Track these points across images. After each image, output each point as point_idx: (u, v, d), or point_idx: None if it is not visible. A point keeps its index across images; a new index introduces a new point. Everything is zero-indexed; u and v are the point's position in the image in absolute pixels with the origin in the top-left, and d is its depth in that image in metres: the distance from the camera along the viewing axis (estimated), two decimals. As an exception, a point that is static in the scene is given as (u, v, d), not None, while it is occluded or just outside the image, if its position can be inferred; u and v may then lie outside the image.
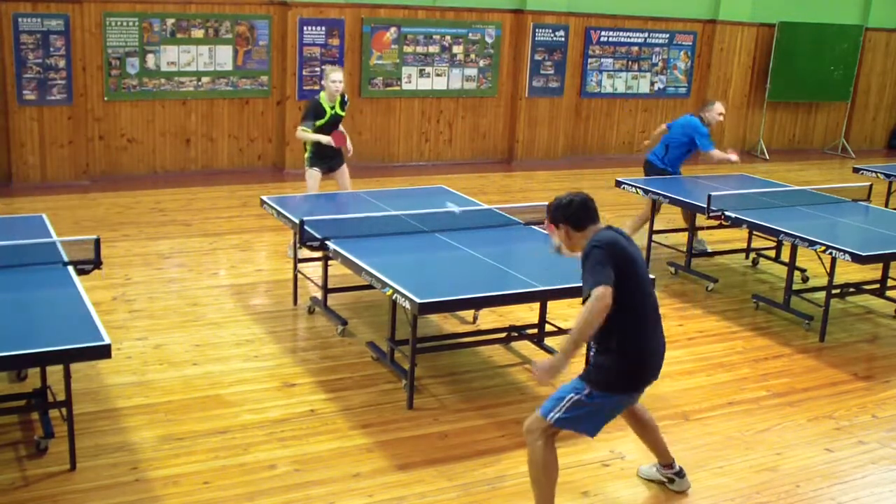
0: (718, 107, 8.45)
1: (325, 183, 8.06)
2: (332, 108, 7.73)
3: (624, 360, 3.89)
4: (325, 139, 7.64)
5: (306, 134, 7.67)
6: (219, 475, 4.40)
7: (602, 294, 3.67)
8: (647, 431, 4.39)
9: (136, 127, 10.72)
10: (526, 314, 6.51)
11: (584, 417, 3.90)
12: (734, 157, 8.43)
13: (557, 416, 3.87)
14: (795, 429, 5.20)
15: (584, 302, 3.77)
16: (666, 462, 4.44)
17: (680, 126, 8.45)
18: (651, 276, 4.14)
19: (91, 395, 5.13)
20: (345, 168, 8.04)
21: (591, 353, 4.01)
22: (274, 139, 11.48)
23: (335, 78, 7.68)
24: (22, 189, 9.98)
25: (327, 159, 7.84)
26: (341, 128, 7.85)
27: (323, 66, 11.24)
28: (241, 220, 9.13)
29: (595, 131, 13.43)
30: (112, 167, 10.70)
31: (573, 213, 3.98)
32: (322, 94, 7.78)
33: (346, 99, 7.95)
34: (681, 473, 4.44)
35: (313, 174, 7.85)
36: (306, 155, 7.89)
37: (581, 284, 3.84)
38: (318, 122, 7.66)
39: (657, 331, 4.03)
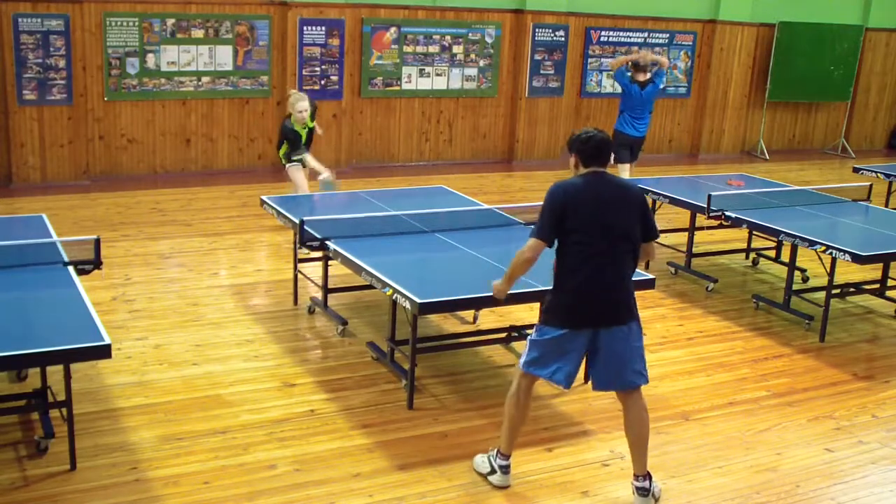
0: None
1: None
2: (305, 127, 8.25)
3: (560, 295, 4.20)
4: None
5: (311, 159, 8.22)
6: (219, 475, 4.40)
7: (530, 247, 4.17)
8: (629, 430, 4.29)
9: (136, 127, 10.72)
10: (526, 314, 6.51)
11: (541, 358, 4.23)
12: None
13: (522, 360, 4.31)
14: (795, 429, 5.20)
15: (530, 234, 4.23)
16: (636, 472, 4.30)
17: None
18: (617, 225, 4.17)
19: (91, 395, 5.13)
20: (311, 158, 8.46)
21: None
22: (274, 139, 11.46)
23: (301, 108, 8.13)
24: (22, 189, 9.98)
25: (301, 156, 8.29)
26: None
27: (324, 68, 11.27)
28: (241, 220, 9.13)
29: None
30: (112, 167, 10.70)
31: (585, 151, 4.22)
32: (291, 119, 8.21)
33: (315, 109, 8.47)
34: (643, 491, 4.25)
35: (296, 168, 8.22)
36: (282, 153, 8.33)
37: None
38: (295, 157, 8.21)
39: (602, 273, 4.12)
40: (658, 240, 4.36)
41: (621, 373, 4.22)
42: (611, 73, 11.05)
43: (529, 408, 4.42)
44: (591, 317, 4.17)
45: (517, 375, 4.37)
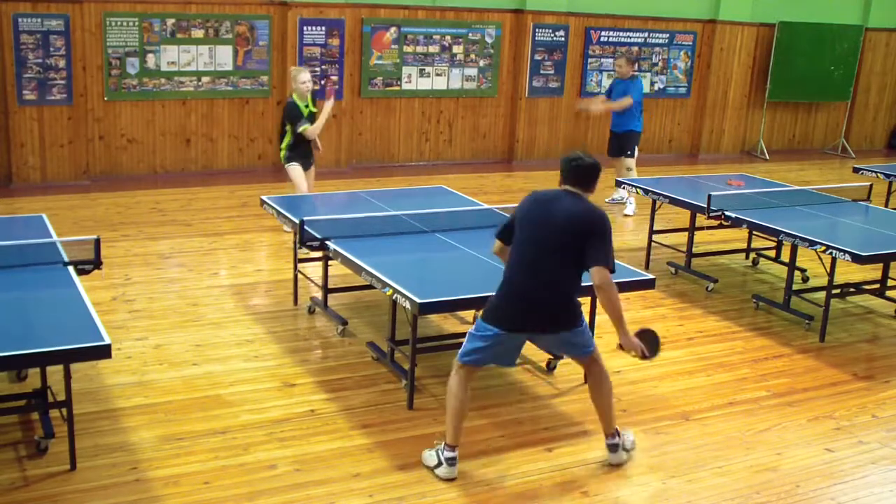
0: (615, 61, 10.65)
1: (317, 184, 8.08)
2: (307, 106, 8.10)
3: (496, 294, 4.47)
4: (327, 110, 8.13)
5: (311, 129, 8.04)
6: (219, 475, 4.40)
7: (494, 247, 4.68)
8: (595, 394, 4.63)
9: (136, 127, 10.72)
10: (526, 314, 6.50)
11: (475, 351, 4.44)
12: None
13: (461, 349, 4.51)
14: (795, 429, 5.20)
15: None
16: (605, 432, 4.65)
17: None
18: (555, 241, 4.36)
19: (91, 395, 5.13)
20: (313, 170, 8.39)
21: None
22: (274, 139, 11.46)
23: (303, 79, 8.05)
24: (22, 189, 9.98)
25: (304, 156, 8.20)
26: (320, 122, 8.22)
27: (324, 68, 11.27)
28: (241, 220, 9.13)
29: (595, 131, 13.42)
30: (112, 167, 10.70)
31: (564, 169, 4.57)
32: (294, 95, 8.10)
33: (316, 96, 8.33)
34: (613, 447, 4.62)
35: (296, 169, 8.16)
36: (283, 153, 8.24)
37: None
38: (301, 129, 8.04)
39: (532, 280, 4.33)
40: (613, 274, 4.30)
41: (568, 352, 4.70)
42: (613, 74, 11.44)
43: (468, 398, 4.53)
44: (518, 321, 4.40)
45: (454, 367, 4.52)
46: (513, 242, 4.46)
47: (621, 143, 10.13)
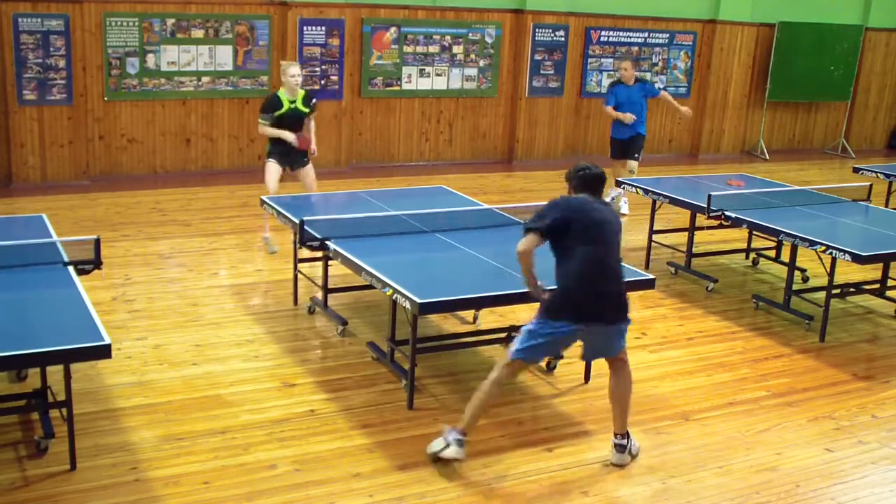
0: (621, 64, 10.07)
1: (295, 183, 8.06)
2: (293, 102, 7.84)
3: (562, 292, 4.51)
4: (288, 136, 7.77)
5: (265, 128, 7.84)
6: (219, 475, 4.40)
7: (522, 241, 4.51)
8: (615, 391, 4.72)
9: (136, 127, 10.72)
10: (526, 314, 6.50)
11: (536, 347, 4.53)
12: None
13: (514, 347, 4.56)
14: (795, 429, 5.20)
15: (524, 227, 4.60)
16: (616, 431, 4.72)
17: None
18: (614, 239, 4.59)
19: (91, 395, 5.13)
20: (309, 168, 8.12)
21: None
22: (274, 139, 11.47)
23: (293, 72, 7.83)
24: (22, 189, 9.98)
25: (285, 154, 7.93)
26: (310, 129, 7.98)
27: (324, 68, 11.27)
28: (241, 220, 9.13)
29: (595, 131, 13.42)
30: (112, 167, 10.70)
31: (579, 180, 4.69)
32: (281, 89, 7.93)
33: (312, 97, 8.05)
34: (620, 448, 4.68)
35: (271, 166, 7.92)
36: (267, 146, 8.06)
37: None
38: (277, 114, 7.78)
39: (602, 279, 4.50)
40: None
41: (611, 348, 4.69)
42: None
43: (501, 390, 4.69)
44: (591, 316, 4.50)
45: (504, 361, 4.57)
46: (569, 243, 4.48)
47: (629, 146, 9.93)
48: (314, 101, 8.10)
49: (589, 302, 4.48)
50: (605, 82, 13.28)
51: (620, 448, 4.68)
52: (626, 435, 4.69)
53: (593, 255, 4.47)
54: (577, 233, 4.46)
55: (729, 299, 7.41)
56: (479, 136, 12.75)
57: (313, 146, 8.06)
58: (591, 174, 4.67)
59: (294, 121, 7.90)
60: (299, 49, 11.15)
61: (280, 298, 6.92)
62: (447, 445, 4.53)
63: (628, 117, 9.69)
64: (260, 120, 7.89)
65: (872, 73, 15.38)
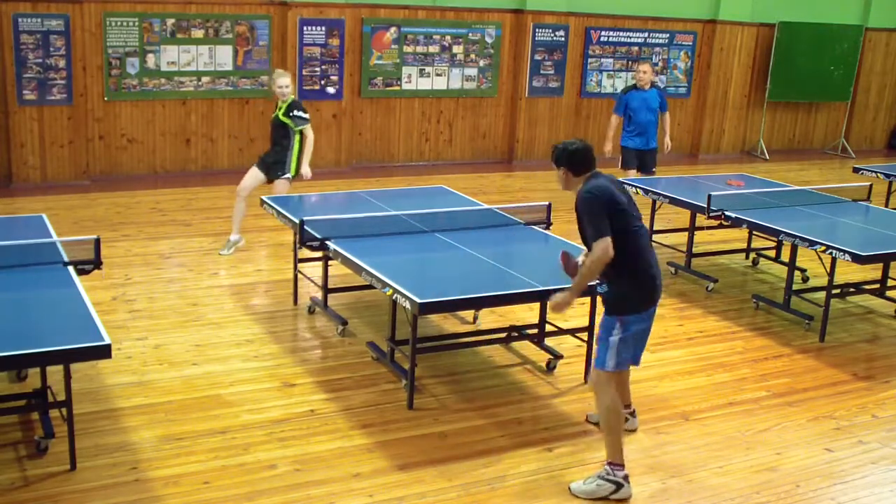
0: (639, 67, 9.24)
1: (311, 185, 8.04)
2: (278, 109, 7.70)
3: (638, 281, 4.39)
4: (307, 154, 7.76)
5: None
6: (219, 475, 4.40)
7: (605, 247, 4.22)
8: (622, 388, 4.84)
9: (136, 127, 10.72)
10: (526, 314, 6.51)
11: (630, 349, 4.44)
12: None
13: (613, 362, 4.38)
14: (795, 429, 5.20)
15: (584, 242, 4.42)
16: (624, 402, 4.88)
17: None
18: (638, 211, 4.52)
19: (91, 395, 5.13)
20: (280, 183, 7.77)
21: (605, 291, 4.44)
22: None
23: (280, 83, 7.63)
24: (22, 189, 9.98)
25: (265, 160, 7.88)
26: (303, 150, 7.73)
27: (324, 68, 11.27)
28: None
29: (595, 131, 13.41)
30: (112, 167, 10.70)
31: (576, 160, 4.44)
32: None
33: (294, 108, 7.61)
34: (633, 414, 5.02)
35: (252, 168, 7.97)
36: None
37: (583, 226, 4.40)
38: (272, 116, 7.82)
39: (653, 253, 4.51)
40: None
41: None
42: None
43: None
44: (661, 290, 4.52)
45: (603, 382, 4.37)
46: (625, 229, 4.31)
47: (649, 159, 9.32)
48: (294, 112, 7.59)
49: (658, 276, 4.45)
50: (606, 82, 13.33)
51: (633, 414, 5.01)
52: (629, 405, 5.00)
53: (641, 231, 4.40)
54: (626, 220, 4.33)
55: (729, 299, 7.41)
56: (479, 136, 12.75)
57: (303, 170, 7.70)
58: (583, 147, 4.45)
59: (273, 127, 7.78)
60: (299, 49, 11.15)
61: (280, 298, 6.92)
62: (618, 486, 4.30)
63: (608, 150, 9.26)
64: None
65: (872, 73, 15.38)
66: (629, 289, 4.39)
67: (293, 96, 7.77)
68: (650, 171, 9.33)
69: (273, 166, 7.80)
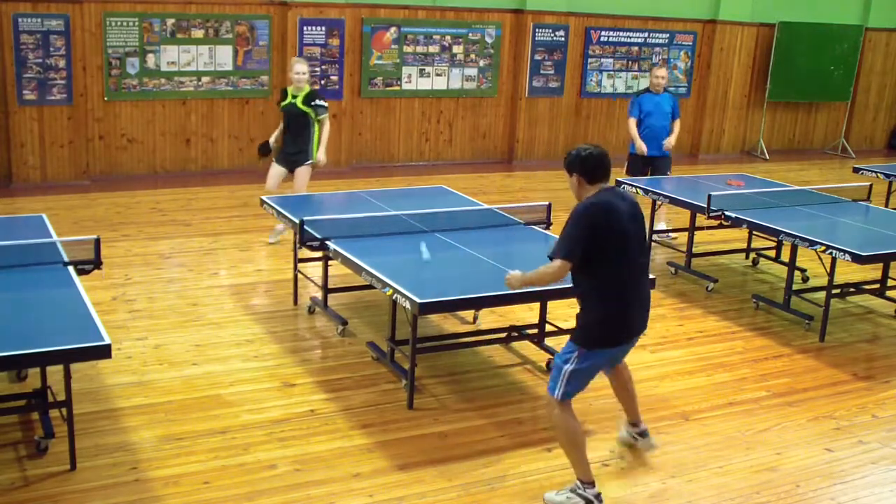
0: (655, 71, 8.89)
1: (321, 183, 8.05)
2: (294, 97, 7.86)
3: (603, 317, 4.15)
4: (273, 135, 8.04)
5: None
6: (219, 475, 4.40)
7: (559, 271, 4.09)
8: (623, 389, 4.69)
9: (136, 127, 10.72)
10: (526, 314, 6.51)
11: (582, 380, 4.25)
12: (642, 145, 8.71)
13: (561, 391, 4.21)
14: (795, 429, 5.20)
15: (549, 254, 4.17)
16: (633, 421, 4.74)
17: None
18: (644, 240, 4.35)
19: (91, 395, 5.13)
20: (302, 170, 8.00)
21: (579, 314, 4.25)
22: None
23: (297, 69, 7.82)
24: (22, 189, 9.98)
25: (285, 153, 8.00)
26: (321, 138, 7.91)
27: (324, 68, 11.27)
28: (241, 220, 9.13)
29: (595, 131, 13.43)
30: (112, 167, 10.70)
31: (590, 168, 4.17)
32: (290, 86, 8.03)
33: (315, 98, 7.86)
34: (644, 433, 4.74)
35: (273, 167, 8.04)
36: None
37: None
38: (281, 105, 8.00)
39: (638, 288, 4.25)
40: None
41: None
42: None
43: (577, 423, 4.29)
44: (637, 330, 4.30)
45: (556, 406, 4.21)
46: (607, 258, 4.05)
47: (663, 166, 8.90)
48: (315, 102, 7.89)
49: (635, 317, 4.22)
50: (606, 82, 13.33)
51: (645, 432, 4.73)
52: (639, 423, 4.74)
53: (627, 265, 4.11)
54: (611, 248, 4.04)
55: (729, 299, 7.41)
56: (479, 136, 12.75)
57: (320, 155, 7.95)
58: (597, 154, 4.15)
59: (291, 117, 7.90)
60: (299, 49, 11.15)
61: (280, 298, 6.92)
62: (580, 502, 4.20)
63: (641, 148, 8.71)
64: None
65: (872, 73, 15.38)
66: (592, 322, 4.15)
67: (309, 85, 7.94)
68: (639, 173, 8.84)
69: (296, 156, 8.00)
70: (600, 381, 5.33)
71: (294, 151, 8.00)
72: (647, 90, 8.93)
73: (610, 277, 4.10)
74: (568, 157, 4.25)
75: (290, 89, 7.96)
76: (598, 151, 4.19)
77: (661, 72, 8.82)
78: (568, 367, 4.17)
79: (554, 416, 4.24)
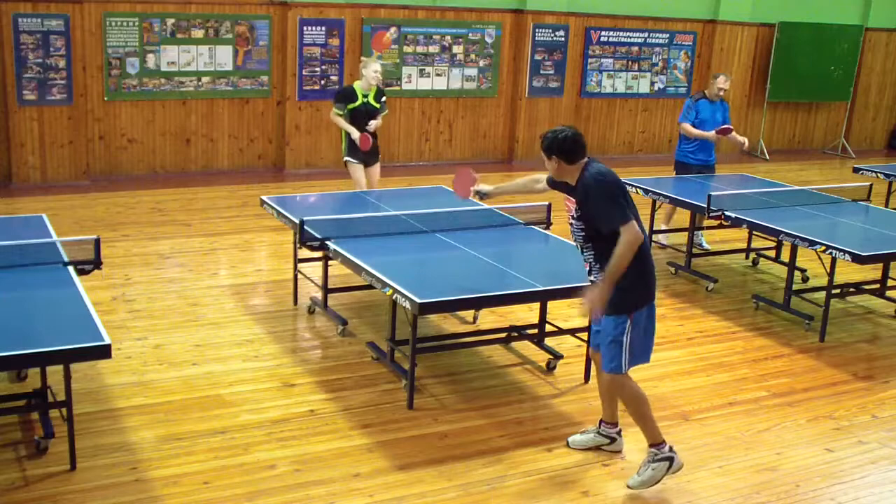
0: (720, 79, 8.50)
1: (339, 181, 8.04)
2: (366, 96, 7.76)
3: (643, 275, 4.27)
4: (354, 134, 7.67)
5: (337, 118, 7.78)
6: (219, 475, 4.40)
7: (635, 231, 4.12)
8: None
9: (136, 127, 10.72)
10: (526, 314, 6.51)
11: (641, 345, 4.36)
12: (711, 136, 8.41)
13: (627, 362, 4.31)
14: (795, 429, 5.20)
15: (611, 230, 4.15)
16: (610, 420, 4.75)
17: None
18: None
19: (91, 395, 5.13)
20: (377, 167, 8.06)
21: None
22: (274, 139, 11.48)
23: (375, 68, 7.76)
24: (22, 189, 9.98)
25: (360, 152, 7.83)
26: (373, 124, 7.77)
27: (324, 68, 11.26)
28: (241, 220, 9.13)
29: (595, 131, 13.43)
30: (112, 167, 10.70)
31: (567, 147, 4.30)
32: (357, 81, 7.90)
33: (383, 94, 7.94)
34: (619, 433, 4.77)
35: (355, 167, 7.87)
36: (343, 146, 7.94)
37: (589, 214, 4.25)
38: (350, 106, 7.70)
39: (647, 243, 4.36)
40: None
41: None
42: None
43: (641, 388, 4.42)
44: (656, 285, 4.38)
45: (618, 383, 4.37)
46: (635, 216, 4.23)
47: (708, 173, 8.67)
48: (384, 98, 7.97)
49: (653, 271, 4.33)
50: (606, 82, 13.32)
51: (619, 434, 4.76)
52: (617, 423, 4.77)
53: (639, 219, 4.25)
54: (631, 205, 4.24)
55: (729, 299, 7.41)
56: (479, 136, 12.75)
57: (373, 124, 7.81)
58: (574, 133, 4.31)
59: (366, 115, 7.80)
60: (299, 49, 11.15)
61: (280, 298, 6.92)
62: (669, 461, 4.36)
63: (713, 136, 8.42)
64: (334, 108, 7.81)
65: (872, 73, 15.38)
66: (633, 281, 4.24)
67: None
68: None
69: (376, 154, 7.99)
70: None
71: (374, 149, 7.93)
72: (703, 96, 8.58)
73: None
74: (545, 142, 4.35)
75: (358, 89, 7.77)
76: (573, 131, 4.33)
77: (723, 82, 8.45)
78: (625, 339, 4.28)
79: (621, 390, 4.37)
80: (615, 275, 4.18)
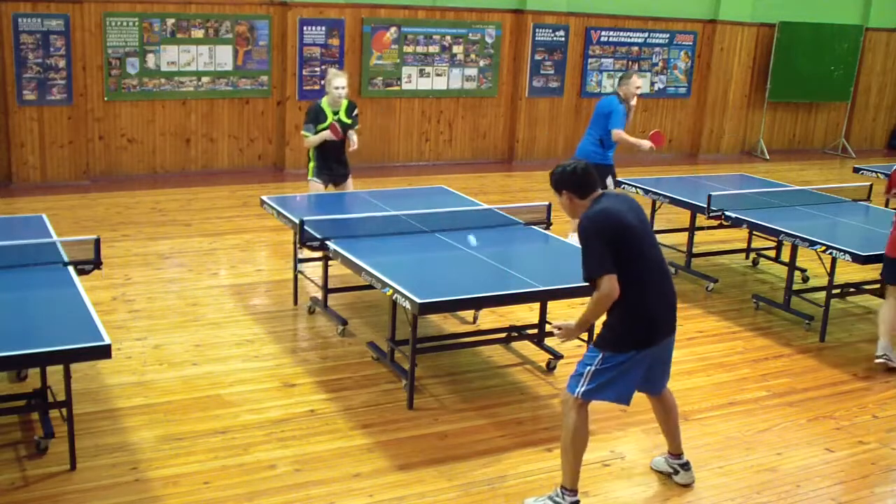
0: (634, 80, 8.16)
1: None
2: (336, 113, 7.41)
3: (629, 319, 4.03)
4: (324, 134, 7.31)
5: (309, 139, 7.39)
6: (219, 475, 4.40)
7: (611, 286, 3.90)
8: (667, 417, 4.47)
9: (136, 127, 10.72)
10: (526, 314, 6.51)
11: (607, 384, 4.07)
12: (646, 144, 8.26)
13: (583, 389, 4.07)
14: (795, 429, 5.20)
15: (585, 278, 4.00)
16: (675, 452, 4.53)
17: (597, 108, 8.30)
18: (651, 232, 4.21)
19: (91, 395, 5.13)
20: (350, 183, 7.72)
21: (604, 321, 4.13)
22: (274, 139, 11.48)
23: (338, 84, 7.34)
24: (22, 189, 9.98)
25: (329, 170, 7.54)
26: (352, 145, 7.49)
27: (324, 68, 11.26)
28: (241, 220, 9.13)
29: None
30: (112, 167, 10.70)
31: (577, 182, 4.10)
32: (324, 98, 7.48)
33: (355, 108, 7.57)
34: (686, 466, 4.52)
35: (315, 185, 7.53)
36: (310, 164, 7.59)
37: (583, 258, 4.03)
38: (320, 127, 7.34)
39: (663, 286, 4.12)
40: None
41: (667, 370, 4.35)
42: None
43: (587, 430, 4.16)
44: (665, 331, 4.14)
45: (568, 404, 4.09)
46: (629, 257, 3.95)
47: None
48: (356, 111, 7.59)
49: (659, 317, 4.07)
50: (606, 82, 13.32)
51: (687, 465, 4.51)
52: (682, 456, 4.53)
53: (648, 261, 4.03)
54: (626, 250, 3.94)
55: (729, 299, 7.41)
56: (479, 136, 12.75)
57: (354, 140, 7.49)
58: (582, 167, 4.11)
59: (343, 131, 7.43)
60: (299, 49, 11.15)
61: (280, 298, 6.91)
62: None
63: (648, 145, 8.39)
64: (303, 132, 7.47)
65: (872, 73, 15.38)
66: (616, 324, 4.04)
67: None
68: None
69: (345, 171, 7.66)
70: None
71: (342, 167, 7.64)
72: (620, 98, 8.33)
73: (629, 278, 3.95)
74: (553, 177, 4.17)
75: (325, 107, 7.40)
76: (582, 164, 4.14)
77: (640, 81, 8.30)
78: (590, 368, 4.07)
79: (567, 414, 4.09)
80: (582, 326, 4.13)
